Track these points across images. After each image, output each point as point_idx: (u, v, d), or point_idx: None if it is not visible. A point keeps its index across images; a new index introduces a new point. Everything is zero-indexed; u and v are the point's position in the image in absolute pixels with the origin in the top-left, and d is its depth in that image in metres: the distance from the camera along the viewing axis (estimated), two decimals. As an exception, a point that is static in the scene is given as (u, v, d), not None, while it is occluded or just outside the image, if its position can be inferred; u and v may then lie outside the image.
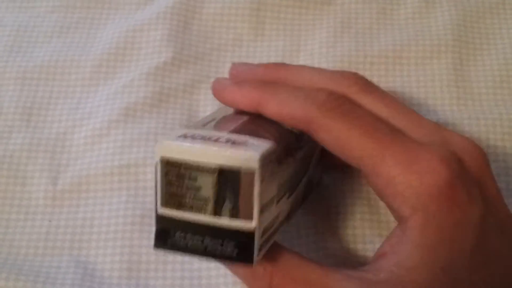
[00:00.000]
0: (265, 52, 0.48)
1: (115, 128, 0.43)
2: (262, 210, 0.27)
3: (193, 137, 0.27)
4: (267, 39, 0.48)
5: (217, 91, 0.34)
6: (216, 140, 0.27)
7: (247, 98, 0.32)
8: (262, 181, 0.26)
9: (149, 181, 0.41)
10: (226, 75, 0.46)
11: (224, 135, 0.28)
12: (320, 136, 0.30)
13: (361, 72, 0.45)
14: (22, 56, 0.47)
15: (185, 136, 0.27)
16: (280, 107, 0.31)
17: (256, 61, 0.47)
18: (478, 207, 0.29)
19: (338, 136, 0.30)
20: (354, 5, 0.50)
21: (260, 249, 0.28)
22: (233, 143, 0.27)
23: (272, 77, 0.35)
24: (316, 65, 0.46)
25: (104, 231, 0.40)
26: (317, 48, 0.48)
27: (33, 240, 0.40)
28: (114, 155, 0.42)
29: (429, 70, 0.46)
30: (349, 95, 0.32)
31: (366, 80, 0.34)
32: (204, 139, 0.27)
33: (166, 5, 0.49)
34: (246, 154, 0.26)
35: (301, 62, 0.47)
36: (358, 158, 0.30)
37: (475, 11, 0.49)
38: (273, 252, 0.29)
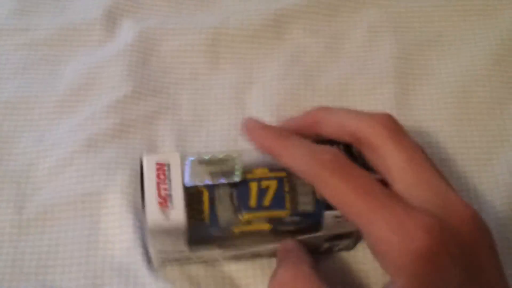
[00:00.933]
0: (220, 85, 0.51)
1: (77, 158, 0.46)
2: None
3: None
4: (221, 73, 0.51)
5: (246, 129, 0.38)
6: None
7: (264, 147, 0.37)
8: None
9: (110, 207, 0.43)
10: (184, 107, 0.49)
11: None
12: (323, 191, 0.33)
13: (309, 103, 0.49)
14: (-13, 93, 0.49)
15: None
16: (290, 160, 0.35)
17: (211, 92, 0.50)
18: (459, 272, 0.30)
19: (338, 194, 0.32)
20: (303, 40, 0.53)
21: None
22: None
23: (311, 119, 0.38)
24: (268, 97, 0.50)
25: (68, 257, 0.42)
26: (268, 81, 0.51)
27: (0, 267, 0.41)
28: (77, 184, 0.44)
29: (373, 100, 0.50)
30: (374, 138, 0.35)
31: (397, 125, 0.35)
32: None
33: (125, 43, 0.52)
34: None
35: (254, 94, 0.50)
36: (354, 216, 0.32)
37: (414, 44, 0.53)
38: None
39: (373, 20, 0.54)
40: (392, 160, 0.34)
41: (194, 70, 0.51)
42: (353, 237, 0.40)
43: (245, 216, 0.37)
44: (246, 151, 0.39)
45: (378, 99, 0.50)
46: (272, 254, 0.40)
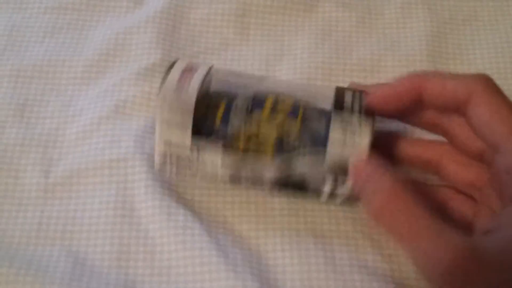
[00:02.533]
0: (249, 55, 0.50)
1: (105, 124, 0.45)
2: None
3: None
4: (251, 44, 0.51)
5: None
6: None
7: (410, 83, 0.37)
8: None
9: (137, 174, 0.43)
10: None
11: None
12: (481, 106, 0.35)
13: (340, 79, 0.48)
14: (15, 55, 0.49)
15: None
16: (443, 84, 0.36)
17: (240, 64, 0.49)
18: None
19: (497, 110, 0.34)
20: (335, 13, 0.52)
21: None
22: None
23: (410, 85, 0.38)
24: (298, 70, 0.49)
25: (94, 222, 0.41)
26: (299, 54, 0.50)
27: (26, 231, 0.41)
28: (104, 149, 0.44)
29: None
30: (475, 97, 0.36)
31: (493, 83, 0.36)
32: None
33: (155, 9, 0.51)
34: None
35: (284, 66, 0.49)
36: (507, 135, 0.34)
37: (449, 22, 0.52)
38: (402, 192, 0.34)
39: (406, -4, 0.53)
40: (495, 115, 0.35)
41: (223, 40, 0.51)
42: None
43: (255, 115, 0.38)
44: (271, 78, 0.42)
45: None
46: (273, 185, 0.40)
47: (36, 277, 0.38)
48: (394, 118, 0.41)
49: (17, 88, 0.47)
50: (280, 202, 0.43)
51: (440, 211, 0.37)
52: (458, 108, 0.37)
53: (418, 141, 0.41)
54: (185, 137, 0.38)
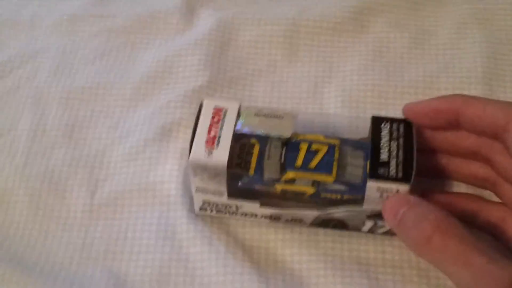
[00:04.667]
0: (298, 77, 0.49)
1: (151, 146, 0.45)
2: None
3: None
4: (300, 65, 0.50)
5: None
6: None
7: (449, 103, 0.37)
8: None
9: (180, 197, 0.43)
10: (259, 99, 0.48)
11: None
12: None
13: (390, 102, 0.47)
14: (65, 78, 0.50)
15: None
16: (483, 109, 0.36)
17: (288, 85, 0.49)
18: None
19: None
20: (386, 34, 0.51)
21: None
22: None
23: (448, 105, 0.38)
24: (347, 92, 0.48)
25: (137, 244, 0.41)
26: (349, 75, 0.49)
27: (69, 251, 0.41)
28: (149, 171, 0.44)
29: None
30: None
31: None
32: None
33: (203, 32, 0.51)
34: None
35: (333, 88, 0.48)
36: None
37: (505, 43, 0.50)
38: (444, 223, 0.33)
39: (461, 16, 0.52)
40: None
41: (271, 62, 0.50)
42: None
43: (289, 174, 0.37)
44: (303, 114, 0.40)
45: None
46: (313, 223, 0.40)
47: (78, 298, 0.39)
48: (431, 146, 0.40)
49: (67, 109, 0.48)
50: (325, 229, 0.42)
51: (494, 229, 0.37)
52: (496, 134, 0.36)
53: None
54: (222, 199, 0.39)
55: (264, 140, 0.38)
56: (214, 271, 0.40)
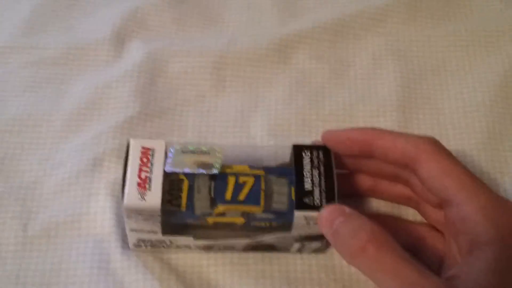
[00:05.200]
0: (225, 107, 0.51)
1: (83, 177, 0.46)
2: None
3: None
4: (227, 95, 0.52)
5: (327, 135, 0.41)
6: None
7: (362, 135, 0.40)
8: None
9: (114, 227, 0.43)
10: (189, 128, 0.49)
11: None
12: (429, 166, 0.37)
13: (313, 128, 0.50)
14: (-5, 109, 0.50)
15: None
16: (393, 142, 0.39)
17: (217, 114, 0.51)
18: None
19: (446, 167, 0.36)
20: (308, 65, 0.54)
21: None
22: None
23: (364, 136, 0.40)
24: (273, 121, 0.50)
25: (71, 275, 0.42)
26: (274, 105, 0.51)
27: (3, 283, 0.42)
28: (82, 202, 0.45)
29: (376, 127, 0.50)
30: (425, 155, 0.38)
31: (441, 144, 0.39)
32: None
33: (133, 63, 0.52)
34: None
35: (259, 117, 0.51)
36: (456, 189, 0.36)
37: (417, 73, 0.54)
38: (379, 234, 0.35)
39: (377, 48, 0.55)
40: (444, 171, 0.37)
41: (200, 92, 0.52)
42: (325, 239, 0.41)
43: (219, 207, 0.39)
44: (228, 147, 0.42)
45: (380, 127, 0.50)
46: (245, 249, 0.42)
47: (13, 331, 0.39)
48: (355, 169, 0.43)
49: (-4, 141, 0.48)
50: (254, 252, 0.44)
51: (416, 247, 0.40)
52: (407, 165, 0.39)
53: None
54: (156, 236, 0.40)
55: (192, 175, 0.40)
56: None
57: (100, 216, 0.44)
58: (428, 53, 0.55)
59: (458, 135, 0.50)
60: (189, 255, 0.43)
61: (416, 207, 0.43)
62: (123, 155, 0.39)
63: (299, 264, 0.43)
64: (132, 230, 0.40)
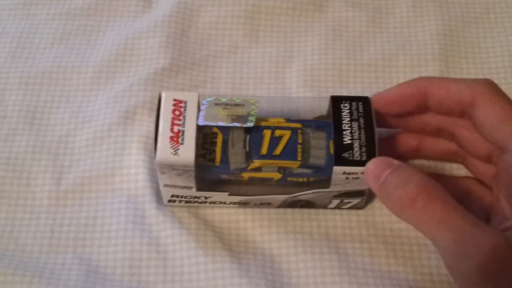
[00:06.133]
0: (259, 58, 0.50)
1: (115, 130, 0.45)
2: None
3: None
4: (261, 46, 0.50)
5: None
6: None
7: (415, 88, 0.38)
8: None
9: (148, 181, 0.43)
10: (222, 80, 0.48)
11: None
12: (487, 108, 0.36)
13: (351, 79, 0.48)
14: (24, 62, 0.49)
15: None
16: (448, 88, 0.37)
17: (250, 66, 0.49)
18: None
19: (503, 111, 0.35)
20: (345, 13, 0.52)
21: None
22: None
23: (414, 89, 0.39)
24: (308, 72, 0.48)
25: (106, 230, 0.41)
26: (309, 55, 0.50)
27: (38, 238, 0.41)
28: (115, 156, 0.44)
29: (417, 76, 0.48)
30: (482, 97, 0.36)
31: (498, 87, 0.37)
32: None
33: (163, 14, 0.51)
34: None
35: (294, 68, 0.49)
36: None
37: (460, 20, 0.51)
38: (429, 185, 0.33)
39: (417, -6, 0.53)
40: (501, 115, 0.35)
41: (233, 43, 0.51)
42: (364, 195, 0.40)
43: (255, 163, 0.38)
44: (263, 99, 0.40)
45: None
46: (281, 205, 0.41)
47: (49, 285, 0.38)
48: (399, 127, 0.41)
49: (26, 95, 0.47)
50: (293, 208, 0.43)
51: (463, 201, 0.38)
52: (463, 111, 0.37)
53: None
54: (191, 192, 0.39)
55: (226, 128, 0.38)
56: (185, 254, 0.40)
57: (134, 170, 0.43)
58: (470, -1, 0.52)
59: (504, 85, 0.48)
60: (225, 210, 0.42)
61: (462, 161, 0.42)
62: (155, 108, 0.38)
63: (338, 220, 0.42)
64: (165, 185, 0.39)
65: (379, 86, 0.48)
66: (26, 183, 0.43)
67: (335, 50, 0.50)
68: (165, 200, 0.41)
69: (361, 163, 0.36)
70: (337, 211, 0.42)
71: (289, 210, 0.42)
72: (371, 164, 0.36)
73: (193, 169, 0.37)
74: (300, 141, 0.38)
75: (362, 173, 0.37)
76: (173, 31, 0.50)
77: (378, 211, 0.42)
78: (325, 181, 0.38)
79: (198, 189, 0.39)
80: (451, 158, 0.42)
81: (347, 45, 0.50)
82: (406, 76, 0.49)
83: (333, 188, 0.39)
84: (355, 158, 0.37)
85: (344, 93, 0.47)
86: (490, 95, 0.36)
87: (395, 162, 0.35)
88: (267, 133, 0.38)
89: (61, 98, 0.47)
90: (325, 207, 0.42)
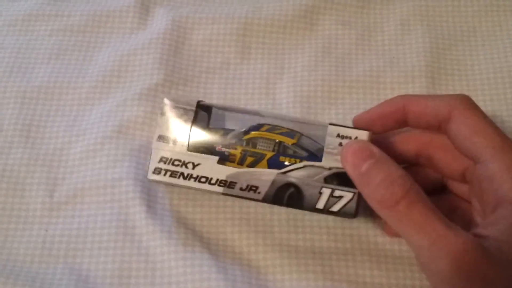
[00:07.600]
0: (250, 74, 0.51)
1: (108, 143, 0.46)
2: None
3: None
4: (252, 62, 0.52)
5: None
6: None
7: (392, 106, 0.40)
8: None
9: (138, 193, 0.44)
10: (214, 96, 0.49)
11: None
12: (461, 122, 0.37)
13: (340, 95, 0.49)
14: (21, 77, 0.50)
15: None
16: (425, 104, 0.38)
17: (242, 82, 0.50)
18: None
19: (476, 125, 0.36)
20: (335, 31, 0.53)
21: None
22: None
23: (394, 107, 0.40)
24: (298, 88, 0.50)
25: (97, 240, 0.42)
26: (300, 71, 0.51)
27: (30, 248, 0.42)
28: (107, 168, 0.45)
29: (404, 93, 0.49)
30: (456, 112, 0.38)
31: (473, 102, 0.38)
32: None
33: (158, 31, 0.52)
34: None
35: (285, 84, 0.50)
36: (484, 146, 0.36)
37: (447, 38, 0.52)
38: (412, 190, 0.35)
39: (405, 14, 0.54)
40: (475, 128, 0.36)
41: (225, 59, 0.52)
42: (356, 189, 0.39)
43: (252, 133, 0.41)
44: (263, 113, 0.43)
45: (409, 93, 0.50)
46: (268, 193, 0.40)
47: (40, 294, 0.39)
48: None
49: (23, 109, 0.48)
50: (279, 219, 0.44)
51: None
52: (440, 126, 0.38)
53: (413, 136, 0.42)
54: (181, 153, 0.41)
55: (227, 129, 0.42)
56: (173, 264, 0.41)
57: (125, 182, 0.44)
58: (458, 17, 0.54)
59: (488, 102, 0.49)
60: (214, 222, 0.43)
61: (429, 162, 0.42)
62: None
63: (324, 233, 0.43)
64: (159, 138, 0.41)
65: (366, 102, 0.49)
66: (21, 194, 0.45)
67: (325, 67, 0.51)
68: (151, 168, 0.41)
69: (356, 128, 0.39)
70: (323, 223, 0.43)
71: (275, 222, 0.43)
72: (352, 146, 0.37)
73: (194, 109, 0.40)
74: (297, 135, 0.41)
75: (356, 137, 0.38)
76: (167, 48, 0.51)
77: (363, 224, 0.43)
78: (318, 167, 0.40)
79: (190, 149, 0.41)
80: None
81: (336, 62, 0.51)
82: (394, 92, 0.50)
83: (325, 162, 0.39)
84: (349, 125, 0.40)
85: (333, 109, 0.49)
86: (465, 109, 0.37)
87: (376, 151, 0.36)
88: (266, 126, 0.42)
89: (56, 112, 0.48)
90: (314, 203, 0.40)
